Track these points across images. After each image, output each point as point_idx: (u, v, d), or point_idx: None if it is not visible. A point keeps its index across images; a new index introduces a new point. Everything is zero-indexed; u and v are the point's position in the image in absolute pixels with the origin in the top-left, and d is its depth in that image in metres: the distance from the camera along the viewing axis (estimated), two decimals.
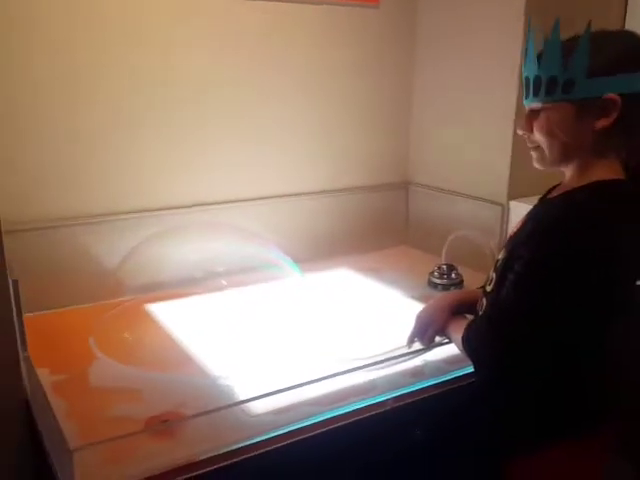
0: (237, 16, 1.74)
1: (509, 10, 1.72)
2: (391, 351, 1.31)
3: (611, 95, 0.92)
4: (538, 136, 1.00)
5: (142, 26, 1.61)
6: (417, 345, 1.29)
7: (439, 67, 2.01)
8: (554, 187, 1.09)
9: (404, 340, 1.30)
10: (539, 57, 0.97)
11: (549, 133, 0.98)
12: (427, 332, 1.24)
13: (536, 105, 0.99)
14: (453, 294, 1.30)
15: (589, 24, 0.93)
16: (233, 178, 1.85)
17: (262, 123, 1.86)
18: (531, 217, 1.05)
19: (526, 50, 1.00)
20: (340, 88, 1.98)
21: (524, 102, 1.03)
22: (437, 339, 1.25)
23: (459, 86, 1.94)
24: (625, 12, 1.85)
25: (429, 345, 1.27)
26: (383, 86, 2.07)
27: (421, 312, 1.27)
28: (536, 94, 0.98)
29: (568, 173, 1.03)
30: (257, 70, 1.81)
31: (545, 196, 1.11)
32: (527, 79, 1.00)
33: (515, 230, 1.07)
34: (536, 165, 1.05)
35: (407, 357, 1.30)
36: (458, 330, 1.11)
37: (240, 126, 1.82)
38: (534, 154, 1.04)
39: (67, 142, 1.58)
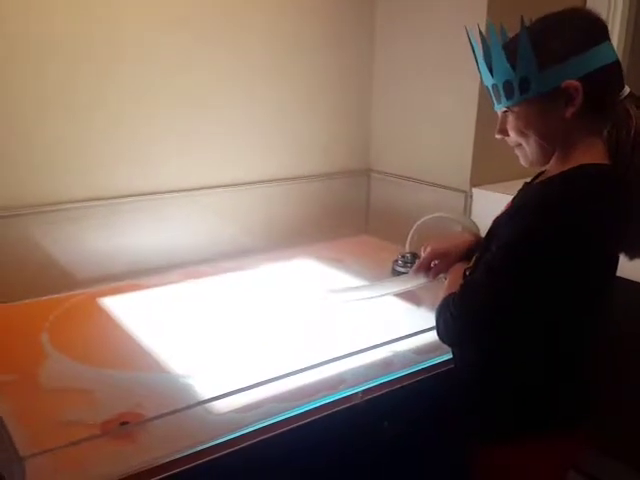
0: None
1: None
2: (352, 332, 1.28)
3: (569, 82, 0.91)
4: (514, 138, 1.00)
5: (88, 5, 1.52)
6: (420, 277, 1.23)
7: (400, 53, 1.98)
8: (540, 173, 1.08)
9: (373, 332, 1.27)
10: (489, 66, 0.97)
11: (522, 133, 0.98)
12: (436, 265, 1.20)
13: (503, 110, 1.00)
14: (471, 234, 1.23)
15: (522, 20, 0.92)
16: (188, 166, 1.78)
17: (218, 110, 1.79)
18: (514, 203, 1.04)
19: (476, 62, 1.00)
20: (299, 74, 1.92)
21: (494, 109, 1.03)
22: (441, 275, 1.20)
23: (421, 72, 1.91)
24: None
25: (433, 279, 1.22)
26: (343, 72, 2.02)
27: (436, 244, 1.20)
28: (499, 101, 0.99)
29: (552, 160, 1.01)
30: (212, 54, 1.74)
31: (531, 182, 1.09)
32: (487, 88, 1.01)
33: (498, 215, 1.05)
34: (524, 164, 1.04)
35: (376, 348, 1.27)
36: (451, 285, 1.07)
37: (194, 112, 1.75)
38: (518, 153, 1.03)
39: (10, 129, 1.48)
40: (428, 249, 1.20)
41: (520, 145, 1.01)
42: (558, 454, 1.04)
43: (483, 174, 1.80)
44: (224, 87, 1.78)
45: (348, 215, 2.17)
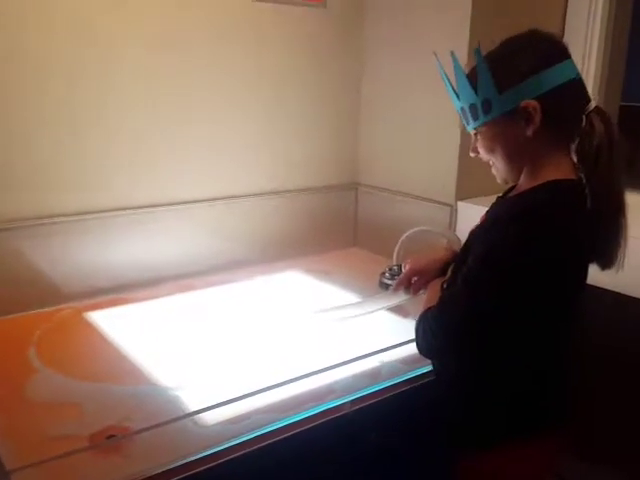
0: (182, 14, 1.68)
1: (455, 11, 1.73)
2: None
3: (526, 102, 0.94)
4: (485, 157, 1.05)
5: (86, 23, 1.53)
6: (402, 294, 1.27)
7: (386, 68, 2.01)
8: (511, 188, 1.10)
9: (361, 343, 1.28)
10: (457, 89, 1.02)
11: (490, 151, 1.03)
12: (417, 281, 1.22)
13: (472, 131, 1.04)
14: (449, 249, 1.26)
15: (478, 44, 0.97)
16: (179, 180, 1.79)
17: (210, 125, 1.81)
18: (488, 216, 1.07)
19: (446, 87, 1.05)
20: (288, 89, 1.95)
21: (467, 130, 1.08)
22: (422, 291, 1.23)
23: (407, 90, 1.94)
24: (565, 16, 1.90)
25: (414, 295, 1.25)
26: (332, 87, 2.05)
27: (414, 261, 1.24)
28: (467, 122, 1.04)
29: (522, 177, 1.04)
30: (204, 71, 1.76)
31: (503, 196, 1.12)
32: (458, 111, 1.06)
33: (473, 229, 1.07)
34: (498, 181, 1.08)
35: (363, 358, 1.28)
36: (429, 300, 1.09)
37: (188, 128, 1.76)
38: (493, 170, 1.07)
39: (6, 142, 1.49)
40: (406, 267, 1.24)
41: (494, 164, 1.05)
42: (543, 457, 1.06)
43: (468, 188, 1.83)
44: (215, 102, 1.80)
45: (337, 228, 2.19)
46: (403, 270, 1.25)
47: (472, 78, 0.98)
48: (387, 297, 1.34)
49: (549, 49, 0.97)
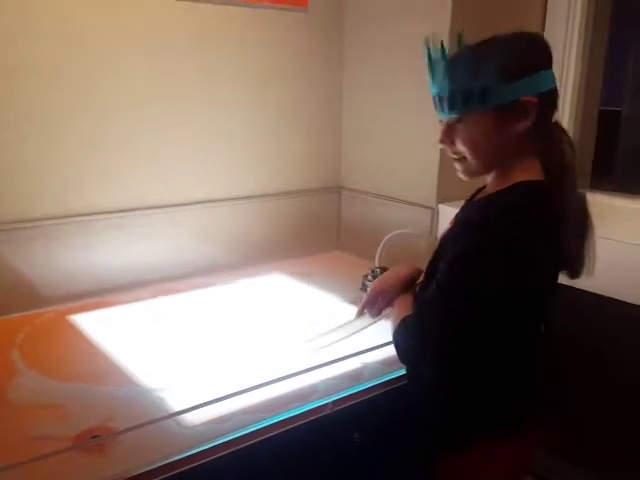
0: (165, 18, 1.69)
1: (436, 17, 1.76)
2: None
3: (529, 97, 0.94)
4: (461, 147, 1.01)
5: (72, 28, 1.54)
6: (366, 317, 1.26)
7: (368, 73, 2.03)
8: (479, 190, 1.12)
9: (345, 345, 1.30)
10: (450, 71, 0.97)
11: (472, 142, 0.99)
12: (378, 302, 1.21)
13: (454, 118, 1.00)
14: (413, 265, 1.23)
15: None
16: (162, 183, 1.79)
17: (193, 128, 1.82)
18: (458, 220, 1.07)
19: (432, 69, 1.00)
20: (270, 92, 1.96)
21: (440, 116, 1.03)
22: (386, 311, 1.22)
23: (389, 95, 1.97)
24: (544, 22, 1.94)
25: (378, 317, 1.24)
26: (315, 91, 2.07)
27: (378, 282, 1.23)
28: (452, 107, 0.98)
29: (490, 177, 1.05)
30: (186, 75, 1.77)
31: (471, 199, 1.13)
32: (439, 96, 1.00)
33: (444, 233, 1.08)
34: (461, 176, 1.06)
35: (346, 359, 1.30)
36: (401, 312, 1.09)
37: (171, 131, 1.77)
38: (459, 166, 1.05)
39: None
40: (369, 289, 1.24)
41: (462, 158, 1.03)
42: (517, 456, 1.08)
43: (449, 191, 1.85)
44: (197, 106, 1.81)
45: (320, 231, 2.20)
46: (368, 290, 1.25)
47: (474, 62, 0.95)
48: (362, 321, 1.34)
49: (548, 52, 0.99)
